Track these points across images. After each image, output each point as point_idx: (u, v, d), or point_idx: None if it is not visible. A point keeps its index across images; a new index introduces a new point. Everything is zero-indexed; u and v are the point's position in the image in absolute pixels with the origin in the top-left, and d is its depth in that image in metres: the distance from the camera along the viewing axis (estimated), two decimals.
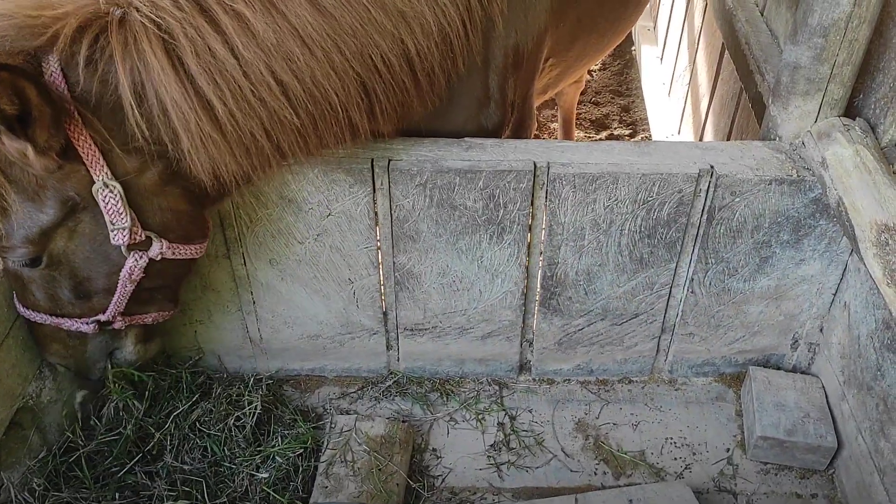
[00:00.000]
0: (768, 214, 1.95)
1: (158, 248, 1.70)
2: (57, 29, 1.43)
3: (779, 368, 2.31)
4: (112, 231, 1.62)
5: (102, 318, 1.80)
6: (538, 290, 2.17)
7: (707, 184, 1.92)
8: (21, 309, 1.81)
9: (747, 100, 2.59)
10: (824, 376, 2.19)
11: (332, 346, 2.33)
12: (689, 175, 1.90)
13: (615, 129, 4.47)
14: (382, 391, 2.38)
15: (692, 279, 2.11)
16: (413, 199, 1.96)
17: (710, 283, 2.12)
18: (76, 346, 1.88)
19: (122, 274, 1.71)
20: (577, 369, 2.37)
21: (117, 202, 1.58)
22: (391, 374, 2.41)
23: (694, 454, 2.18)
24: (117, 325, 1.85)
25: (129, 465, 2.01)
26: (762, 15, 2.64)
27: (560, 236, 2.03)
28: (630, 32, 5.09)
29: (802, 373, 2.27)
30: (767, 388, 2.19)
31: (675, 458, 2.17)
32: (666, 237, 2.03)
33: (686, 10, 3.79)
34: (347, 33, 1.59)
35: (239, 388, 2.24)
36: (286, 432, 2.17)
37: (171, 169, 1.62)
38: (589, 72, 4.91)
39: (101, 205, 1.58)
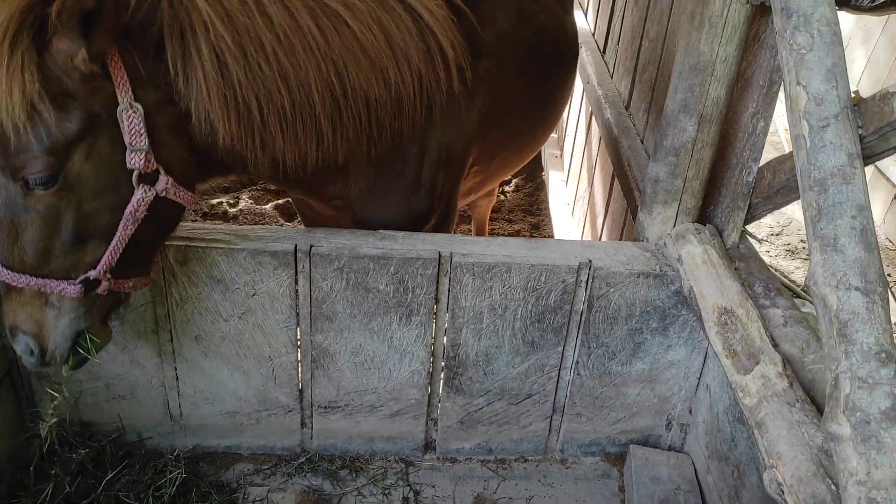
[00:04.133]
0: (639, 304, 2.27)
1: (164, 184, 1.79)
2: None
3: (657, 447, 2.57)
4: (130, 153, 1.72)
5: (93, 273, 1.78)
6: (442, 369, 2.40)
7: (586, 275, 2.23)
8: (1, 271, 1.75)
9: (631, 214, 2.98)
10: (694, 453, 2.46)
11: (250, 422, 2.48)
12: (571, 267, 2.21)
13: None
14: (295, 468, 2.51)
15: (577, 362, 2.39)
16: (331, 282, 2.20)
17: (592, 366, 2.40)
18: (51, 318, 1.81)
19: (126, 210, 1.76)
20: (478, 448, 2.57)
21: (140, 124, 1.70)
22: (304, 451, 2.55)
23: None
24: (102, 288, 1.82)
25: None
26: (642, 142, 3.09)
27: (462, 319, 2.29)
28: (540, 158, 5.61)
29: (676, 451, 2.54)
30: (645, 464, 2.43)
31: None
32: (553, 322, 2.31)
33: (585, 140, 4.28)
34: (333, 52, 1.90)
35: (163, 459, 2.35)
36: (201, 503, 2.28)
37: (182, 116, 1.80)
38: (503, 192, 5.35)
39: (124, 125, 1.69)
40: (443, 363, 2.39)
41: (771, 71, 1.97)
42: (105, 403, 2.41)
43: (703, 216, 2.30)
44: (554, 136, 5.54)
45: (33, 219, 1.71)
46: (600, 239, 3.76)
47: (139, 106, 1.71)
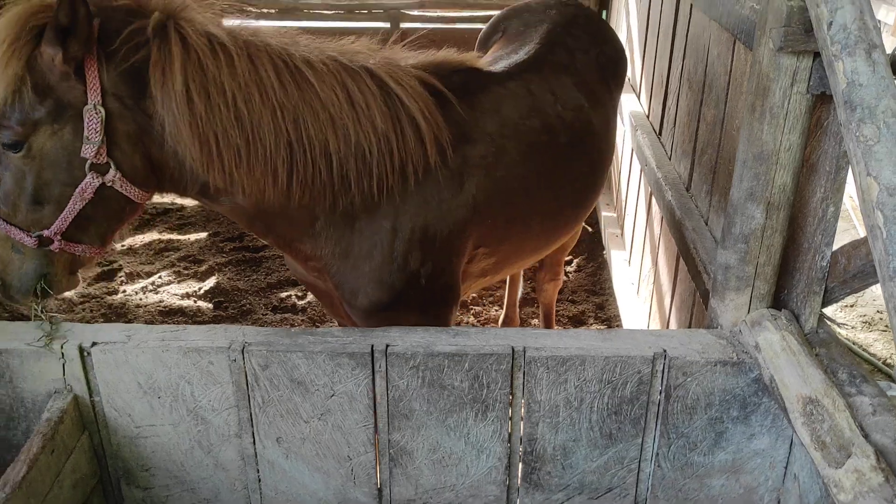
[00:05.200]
0: (717, 393, 2.24)
1: (112, 175, 2.13)
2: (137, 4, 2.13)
3: None
4: (85, 144, 2.08)
5: (46, 232, 2.14)
6: (520, 465, 2.39)
7: (662, 365, 2.22)
8: None
9: (700, 297, 2.96)
10: None
11: None
12: (646, 357, 2.20)
13: (591, 324, 4.83)
14: None
15: (658, 453, 2.34)
16: (407, 380, 2.24)
17: (674, 457, 2.35)
18: (15, 260, 2.19)
19: (76, 189, 2.12)
20: None
21: (98, 123, 2.07)
22: None
23: None
24: (54, 246, 2.16)
25: None
26: (706, 224, 3.09)
27: (538, 413, 2.29)
28: (601, 237, 5.63)
29: None
30: None
31: None
32: (631, 414, 2.29)
33: (646, 220, 4.29)
34: (290, 102, 2.19)
35: None
36: None
37: (145, 133, 2.15)
38: (566, 273, 5.36)
39: (86, 121, 2.07)
40: (520, 458, 2.38)
41: (837, 157, 1.98)
42: None
43: (778, 301, 2.28)
44: (613, 215, 5.58)
45: (8, 176, 2.13)
46: (669, 321, 3.72)
47: (102, 109, 2.08)
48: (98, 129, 2.08)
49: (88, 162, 2.11)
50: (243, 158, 2.18)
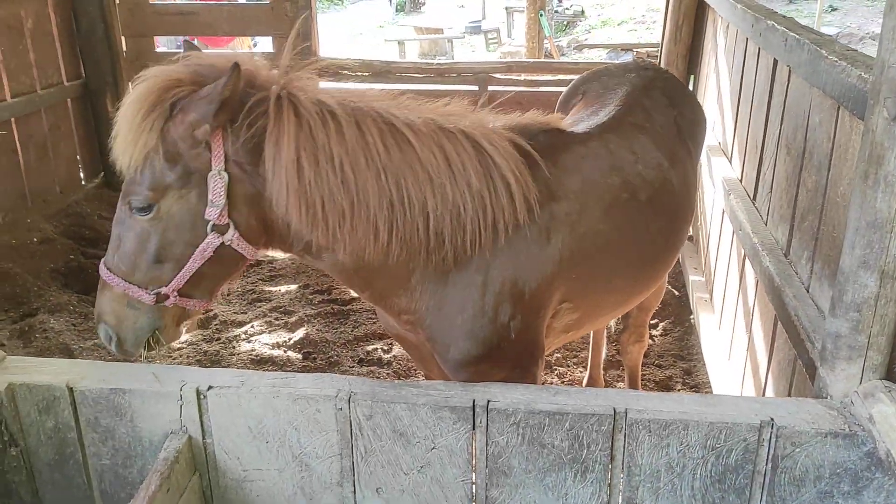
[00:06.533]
0: (827, 465, 2.18)
1: (231, 235, 2.28)
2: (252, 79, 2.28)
3: None
4: (210, 207, 2.24)
5: (164, 290, 2.29)
6: None
7: (769, 434, 2.17)
8: (103, 270, 2.33)
9: (801, 365, 2.89)
10: None
11: None
12: (752, 425, 2.17)
13: (679, 390, 4.74)
14: None
15: None
16: (507, 437, 2.26)
17: None
18: (129, 316, 2.34)
19: (198, 248, 2.27)
20: None
21: (222, 187, 2.23)
22: None
23: None
24: (169, 302, 2.32)
25: None
26: (808, 291, 3.03)
27: (638, 477, 2.26)
28: (689, 301, 5.55)
29: None
30: None
31: None
32: (735, 483, 2.24)
33: (739, 285, 4.22)
34: (393, 165, 2.30)
35: None
36: None
37: (261, 195, 2.29)
38: (651, 336, 5.29)
39: (211, 185, 2.22)
40: None
41: None
42: None
43: (892, 373, 2.21)
44: (702, 279, 5.50)
45: (132, 236, 2.28)
46: (764, 389, 3.63)
47: (226, 174, 2.23)
48: (222, 192, 2.24)
49: (210, 223, 2.26)
50: (347, 219, 2.29)
